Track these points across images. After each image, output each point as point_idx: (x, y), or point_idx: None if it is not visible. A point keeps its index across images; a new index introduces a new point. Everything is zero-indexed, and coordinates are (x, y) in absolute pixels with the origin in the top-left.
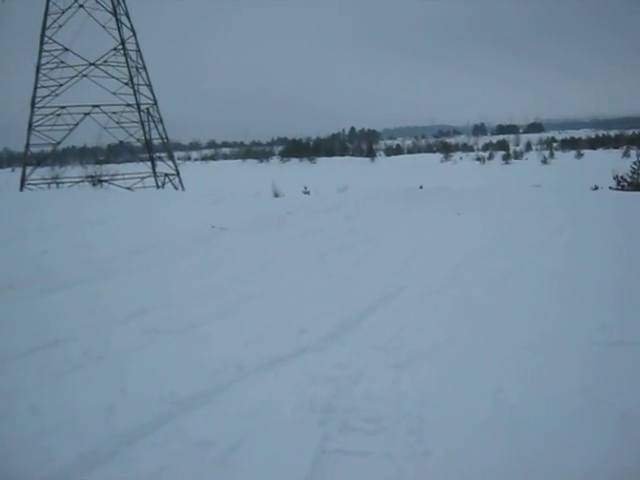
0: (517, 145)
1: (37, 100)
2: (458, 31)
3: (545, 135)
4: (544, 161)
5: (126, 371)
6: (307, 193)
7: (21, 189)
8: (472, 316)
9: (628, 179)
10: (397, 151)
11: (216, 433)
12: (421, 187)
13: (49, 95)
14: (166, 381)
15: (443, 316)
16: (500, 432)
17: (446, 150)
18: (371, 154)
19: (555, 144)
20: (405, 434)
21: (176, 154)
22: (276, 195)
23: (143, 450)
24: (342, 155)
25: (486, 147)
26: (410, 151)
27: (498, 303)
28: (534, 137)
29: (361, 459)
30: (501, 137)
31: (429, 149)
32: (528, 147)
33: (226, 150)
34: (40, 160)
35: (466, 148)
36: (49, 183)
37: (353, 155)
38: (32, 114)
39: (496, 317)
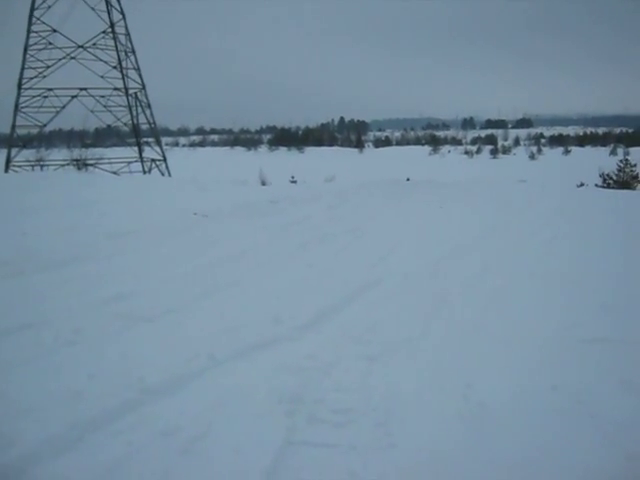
0: (505, 140)
1: (24, 81)
2: (450, 26)
3: (534, 131)
4: (532, 157)
5: (97, 357)
6: (294, 182)
7: (6, 170)
8: (448, 310)
9: (614, 177)
10: (386, 143)
11: (182, 421)
12: (408, 179)
13: (36, 77)
14: (136, 368)
15: (419, 309)
16: (467, 428)
17: (435, 143)
18: (360, 145)
19: (543, 140)
20: (372, 427)
21: (164, 140)
22: (263, 183)
23: (108, 437)
24: (331, 145)
25: (474, 141)
26: (399, 143)
27: (475, 299)
28: (523, 132)
29: (326, 451)
30: (490, 132)
31: (418, 142)
32: (516, 142)
33: (214, 137)
34: (26, 142)
35: (455, 142)
36: (34, 165)
37: (342, 146)
38: (19, 95)
39: (472, 312)
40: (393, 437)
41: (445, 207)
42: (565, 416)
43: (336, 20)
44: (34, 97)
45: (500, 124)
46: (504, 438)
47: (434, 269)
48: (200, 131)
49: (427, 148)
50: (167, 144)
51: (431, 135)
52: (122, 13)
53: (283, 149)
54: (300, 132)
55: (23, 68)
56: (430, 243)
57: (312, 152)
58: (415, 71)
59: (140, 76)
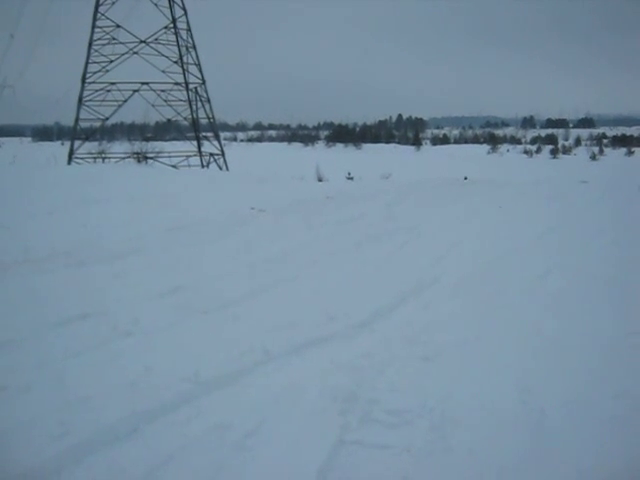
0: (566, 140)
1: (88, 75)
2: (512, 23)
3: (595, 131)
4: (593, 157)
5: (153, 348)
6: (350, 179)
7: (69, 162)
8: (507, 312)
9: None
10: (443, 140)
11: (236, 416)
12: (466, 178)
13: (100, 71)
14: (192, 360)
15: (475, 311)
16: (524, 434)
17: (493, 142)
18: (417, 142)
19: (605, 140)
20: (427, 429)
21: (222, 134)
22: (319, 179)
23: (162, 429)
24: (388, 142)
25: (534, 140)
26: (457, 141)
27: (534, 300)
28: (584, 132)
29: (380, 452)
30: (550, 131)
31: (476, 140)
32: (577, 142)
33: (272, 132)
34: (88, 135)
35: (514, 141)
36: (96, 158)
37: (399, 143)
38: (82, 89)
39: (531, 314)
40: (448, 441)
41: (505, 207)
42: (626, 427)
43: (396, 17)
44: (97, 91)
45: (561, 123)
46: (563, 448)
47: (492, 269)
48: (258, 126)
49: (485, 147)
50: (225, 139)
51: (490, 133)
52: (184, 9)
53: (340, 145)
54: (357, 129)
55: (87, 63)
56: (489, 243)
57: (369, 149)
58: (475, 69)
59: (200, 71)
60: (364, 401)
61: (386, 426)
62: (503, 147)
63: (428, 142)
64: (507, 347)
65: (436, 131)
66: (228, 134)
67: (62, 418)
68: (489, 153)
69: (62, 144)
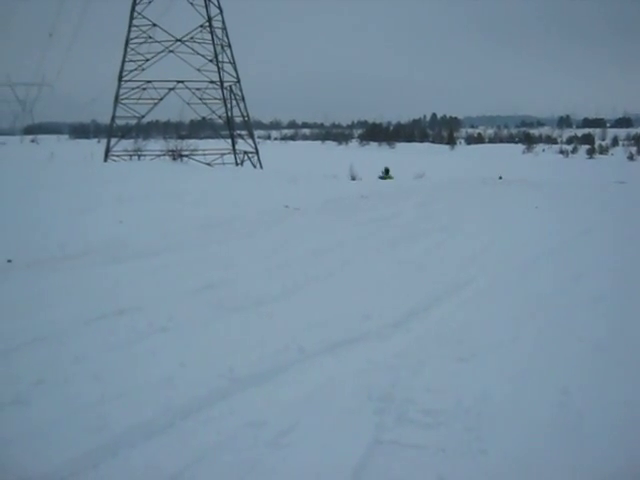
0: (603, 140)
1: (124, 74)
2: (547, 23)
3: (634, 130)
4: (630, 157)
5: (188, 345)
6: (383, 178)
7: (105, 160)
8: (542, 313)
9: None
10: (478, 140)
11: (271, 413)
12: (500, 178)
13: (136, 69)
14: (226, 357)
15: (511, 312)
16: (562, 436)
17: (528, 141)
18: (451, 142)
19: None
20: (462, 430)
21: (256, 132)
22: (353, 178)
23: (198, 425)
24: (422, 141)
25: (570, 140)
26: (491, 140)
27: (571, 302)
28: (622, 132)
29: (415, 452)
30: (587, 130)
31: (511, 139)
32: (614, 142)
33: (306, 131)
34: (124, 132)
35: (549, 140)
36: (131, 155)
37: (433, 142)
38: (119, 87)
39: (567, 316)
40: (484, 442)
41: (540, 207)
42: None
43: (429, 15)
44: (133, 89)
45: (598, 123)
46: (601, 452)
47: (528, 269)
48: (292, 125)
49: (520, 146)
50: (259, 137)
51: (525, 133)
52: (219, 8)
53: (374, 144)
54: (391, 127)
55: (124, 61)
56: (524, 243)
57: (403, 148)
58: (511, 68)
59: (235, 69)
60: (399, 401)
61: (421, 426)
62: (538, 147)
63: (462, 141)
64: (544, 349)
65: (471, 130)
66: (262, 132)
67: (99, 412)
68: (524, 153)
69: (98, 141)
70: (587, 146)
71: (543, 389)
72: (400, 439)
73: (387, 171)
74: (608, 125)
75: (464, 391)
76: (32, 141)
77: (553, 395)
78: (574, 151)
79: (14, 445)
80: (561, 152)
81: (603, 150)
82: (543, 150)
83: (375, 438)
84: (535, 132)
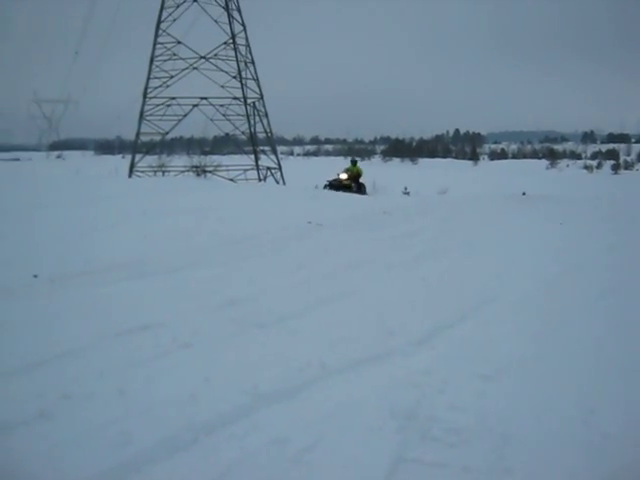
0: (628, 155)
1: (149, 91)
2: (570, 38)
3: None
4: None
5: (212, 361)
6: (407, 193)
7: (129, 175)
8: (566, 333)
9: None
10: (501, 155)
11: (293, 430)
12: (524, 193)
13: (160, 86)
14: (249, 374)
15: (536, 330)
16: (588, 458)
17: (552, 157)
18: (474, 157)
19: None
20: (487, 449)
21: (279, 148)
22: (375, 193)
23: (221, 441)
24: (444, 157)
25: (595, 155)
26: (515, 156)
27: (596, 321)
28: None
29: (439, 471)
30: (611, 146)
31: (534, 155)
32: None
33: (329, 147)
34: (149, 148)
35: (574, 156)
36: (156, 171)
37: (456, 157)
38: (144, 104)
39: (592, 335)
40: (508, 461)
41: (565, 223)
42: None
43: (451, 30)
44: (158, 106)
45: (623, 138)
46: (626, 474)
47: (553, 287)
48: (315, 141)
49: (544, 162)
50: (282, 153)
51: (549, 148)
52: (243, 25)
53: (396, 160)
54: (414, 143)
55: (149, 78)
56: (549, 260)
57: (425, 163)
58: (534, 83)
59: (258, 86)
60: (423, 419)
61: (445, 444)
62: (562, 162)
63: (486, 157)
64: (570, 367)
65: (494, 146)
66: (285, 148)
67: (123, 427)
68: (548, 168)
69: (123, 157)
70: (612, 162)
71: (568, 408)
72: (424, 457)
73: (355, 162)
74: (633, 140)
75: (488, 410)
76: (58, 157)
77: (578, 414)
78: (599, 166)
79: (38, 459)
80: (585, 167)
81: (628, 165)
82: (567, 165)
83: (399, 456)
84: (559, 147)
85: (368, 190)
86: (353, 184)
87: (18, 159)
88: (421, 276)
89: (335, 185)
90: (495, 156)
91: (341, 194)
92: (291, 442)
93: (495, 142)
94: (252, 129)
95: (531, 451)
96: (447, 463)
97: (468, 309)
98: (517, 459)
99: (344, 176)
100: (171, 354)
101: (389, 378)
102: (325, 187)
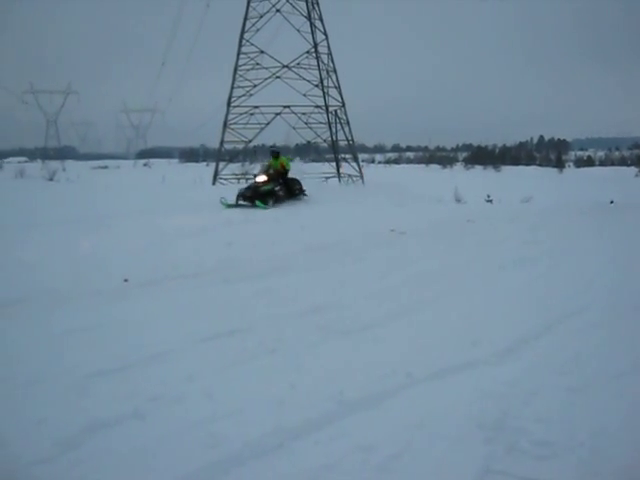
0: None
1: (232, 99)
2: None
3: None
4: None
5: (297, 366)
6: (490, 201)
7: (213, 183)
8: None
9: None
10: (588, 163)
11: (379, 438)
12: (612, 202)
13: (244, 95)
14: (335, 381)
15: (628, 341)
16: None
17: None
18: (559, 164)
19: None
20: (576, 464)
21: (361, 156)
22: (458, 201)
23: (307, 446)
24: (528, 164)
25: None
26: (602, 163)
27: None
28: None
29: None
30: None
31: (623, 162)
32: None
33: (410, 154)
34: (232, 156)
35: None
36: (239, 178)
37: (540, 165)
38: (227, 113)
39: None
40: (600, 477)
41: None
42: None
43: (535, 35)
44: (241, 114)
45: None
46: None
47: None
48: (396, 148)
49: (633, 169)
50: (364, 160)
51: (638, 155)
52: (325, 34)
53: (479, 167)
54: (497, 150)
55: (232, 87)
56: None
57: (508, 171)
58: (622, 88)
59: (340, 94)
60: (510, 430)
61: (533, 457)
62: None
63: (571, 164)
64: None
65: (580, 153)
66: (366, 156)
67: (211, 430)
68: (637, 175)
69: (207, 165)
70: None
71: None
72: (510, 469)
73: (277, 154)
74: None
75: (577, 423)
76: (145, 164)
77: None
78: None
79: (130, 458)
80: None
81: None
82: None
83: (485, 467)
84: None
85: (448, 199)
86: (278, 187)
87: (106, 167)
88: (505, 285)
89: (248, 196)
90: (581, 163)
91: (425, 203)
92: (377, 450)
93: (581, 149)
94: (334, 137)
95: (624, 467)
96: (535, 477)
97: (555, 319)
98: (609, 475)
99: (262, 178)
100: (257, 359)
101: (475, 388)
102: (237, 200)
